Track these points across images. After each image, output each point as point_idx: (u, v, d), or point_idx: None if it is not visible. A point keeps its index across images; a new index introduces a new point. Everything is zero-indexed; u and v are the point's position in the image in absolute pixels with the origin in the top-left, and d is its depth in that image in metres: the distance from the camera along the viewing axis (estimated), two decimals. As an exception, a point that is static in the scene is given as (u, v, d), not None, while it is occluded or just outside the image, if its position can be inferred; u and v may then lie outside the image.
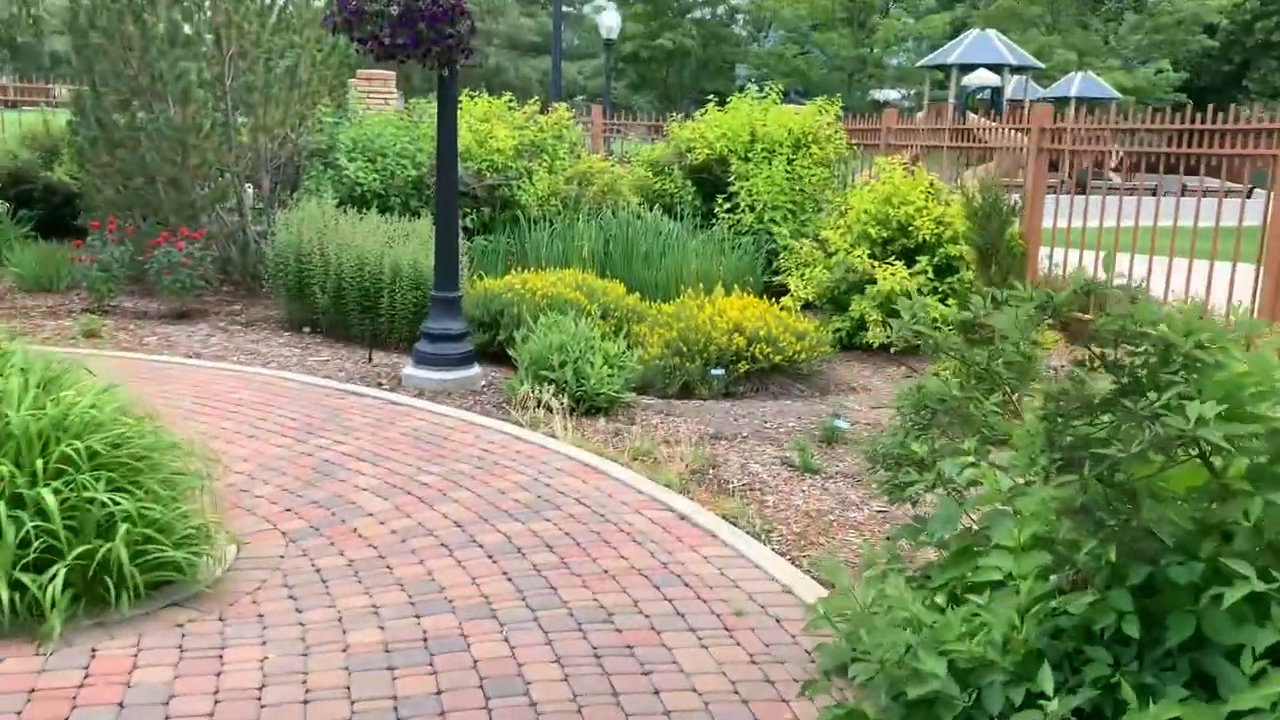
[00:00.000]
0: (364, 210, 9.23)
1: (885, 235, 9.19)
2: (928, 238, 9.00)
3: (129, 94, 9.38)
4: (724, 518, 4.79)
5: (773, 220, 10.49)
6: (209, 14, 9.70)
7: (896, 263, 8.99)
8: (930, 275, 8.90)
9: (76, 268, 9.06)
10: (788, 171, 10.69)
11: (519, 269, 8.50)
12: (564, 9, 28.28)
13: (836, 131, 11.21)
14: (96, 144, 9.52)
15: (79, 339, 8.01)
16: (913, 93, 40.93)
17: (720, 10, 46.20)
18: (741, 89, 12.14)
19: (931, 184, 9.55)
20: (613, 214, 10.25)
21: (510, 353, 7.05)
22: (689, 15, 45.33)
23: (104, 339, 8.09)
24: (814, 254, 9.71)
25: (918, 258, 9.01)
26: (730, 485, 5.29)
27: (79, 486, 3.58)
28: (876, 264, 9.00)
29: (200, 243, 9.04)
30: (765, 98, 11.63)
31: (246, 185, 10.15)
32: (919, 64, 34.36)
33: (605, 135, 16.39)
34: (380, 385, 6.97)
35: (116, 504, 3.61)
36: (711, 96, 12.23)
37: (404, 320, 8.08)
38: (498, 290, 7.82)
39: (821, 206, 10.72)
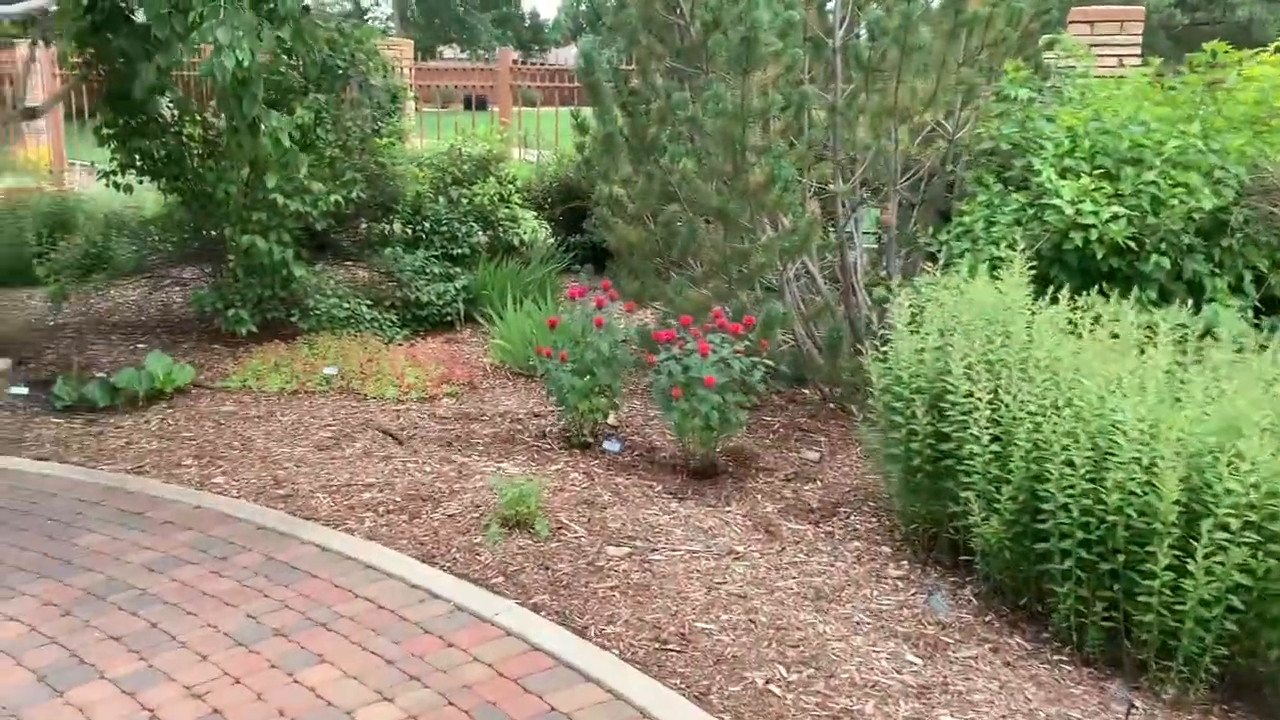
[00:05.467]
0: (1098, 284, 4.11)
1: None
2: None
3: (666, 60, 5.27)
4: None
5: None
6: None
7: None
8: None
9: (545, 366, 5.12)
10: None
11: None
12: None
13: None
14: (611, 145, 5.56)
15: (494, 530, 4.01)
16: None
17: None
18: None
19: None
20: None
21: None
22: None
23: (538, 534, 4.01)
24: None
25: None
26: None
27: None
28: None
29: (751, 335, 4.62)
30: None
31: (852, 217, 5.56)
32: None
33: None
34: None
35: None
36: None
37: (1200, 627, 2.86)
38: None
39: None
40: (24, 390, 5.81)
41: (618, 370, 4.99)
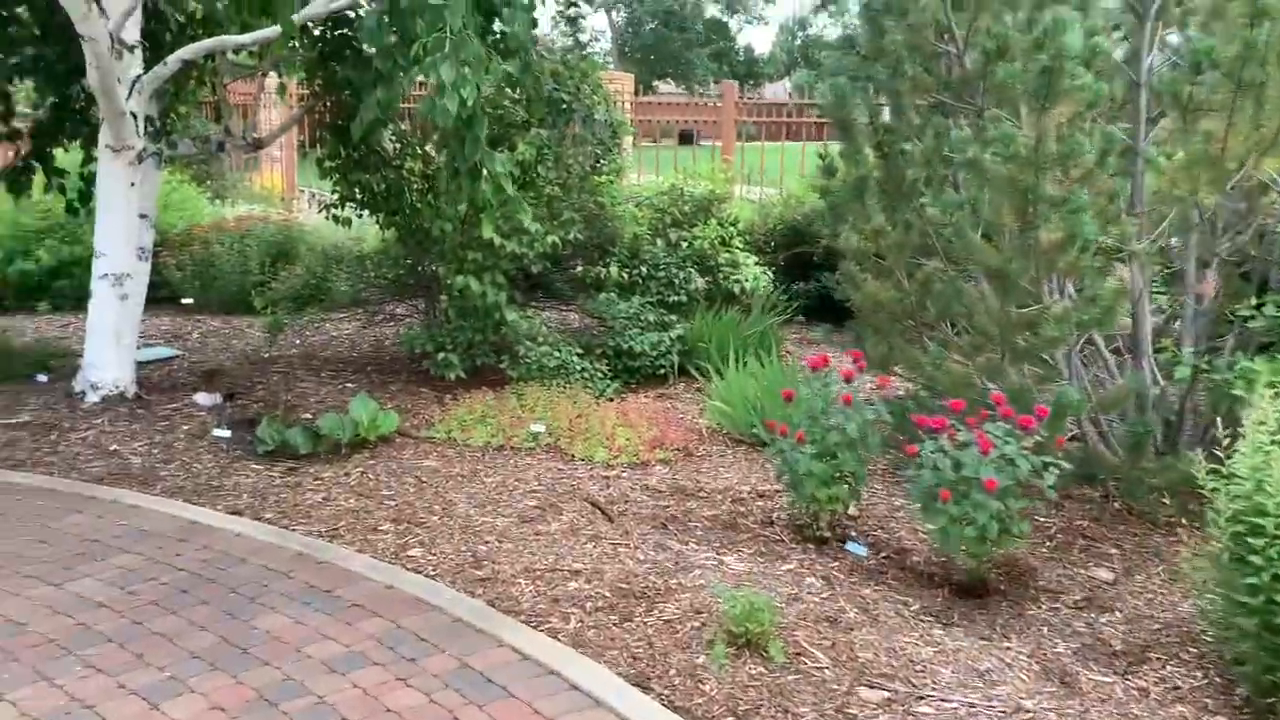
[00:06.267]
0: None
1: None
2: None
3: (931, 94, 4.53)
4: None
5: None
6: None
7: None
8: None
9: (777, 446, 4.41)
10: None
11: None
12: None
13: None
14: (862, 190, 4.84)
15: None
16: None
17: None
18: None
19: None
20: None
21: None
22: None
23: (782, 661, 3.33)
24: None
25: None
26: None
27: None
28: None
29: (1042, 430, 3.78)
30: None
31: (1149, 284, 4.62)
32: None
33: None
34: None
35: None
36: None
37: None
38: None
39: None
40: (226, 434, 5.61)
41: (865, 456, 4.26)
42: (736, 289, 7.49)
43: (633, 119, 10.70)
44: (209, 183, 12.15)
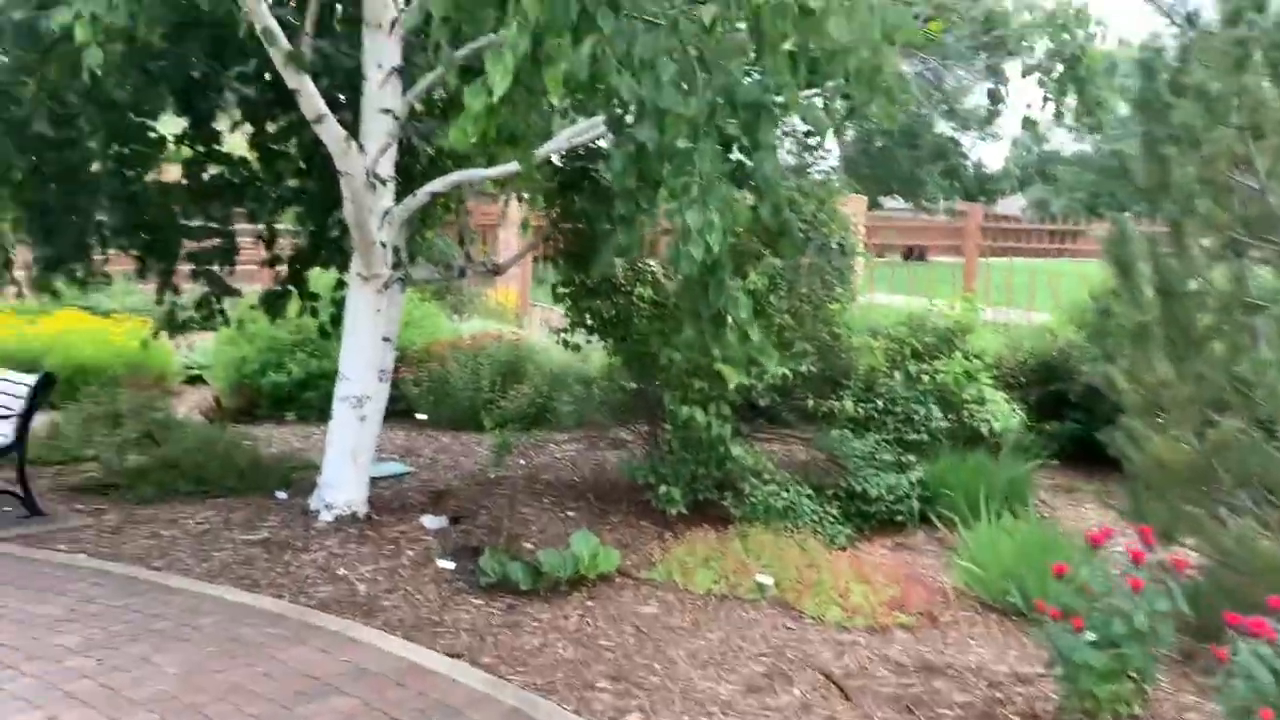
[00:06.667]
0: None
1: None
2: None
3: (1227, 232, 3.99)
4: None
5: None
6: None
7: None
8: None
9: (1049, 632, 3.83)
10: None
11: None
12: None
13: None
14: (1146, 337, 4.29)
15: None
16: None
17: None
18: None
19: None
20: None
21: None
22: None
23: None
24: None
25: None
26: None
27: None
28: None
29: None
30: None
31: None
32: None
33: None
34: None
35: None
36: None
37: None
38: None
39: None
40: (450, 564, 5.54)
41: (1156, 651, 3.64)
42: (984, 428, 6.91)
43: (866, 244, 10.38)
44: (448, 297, 12.68)
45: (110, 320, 10.50)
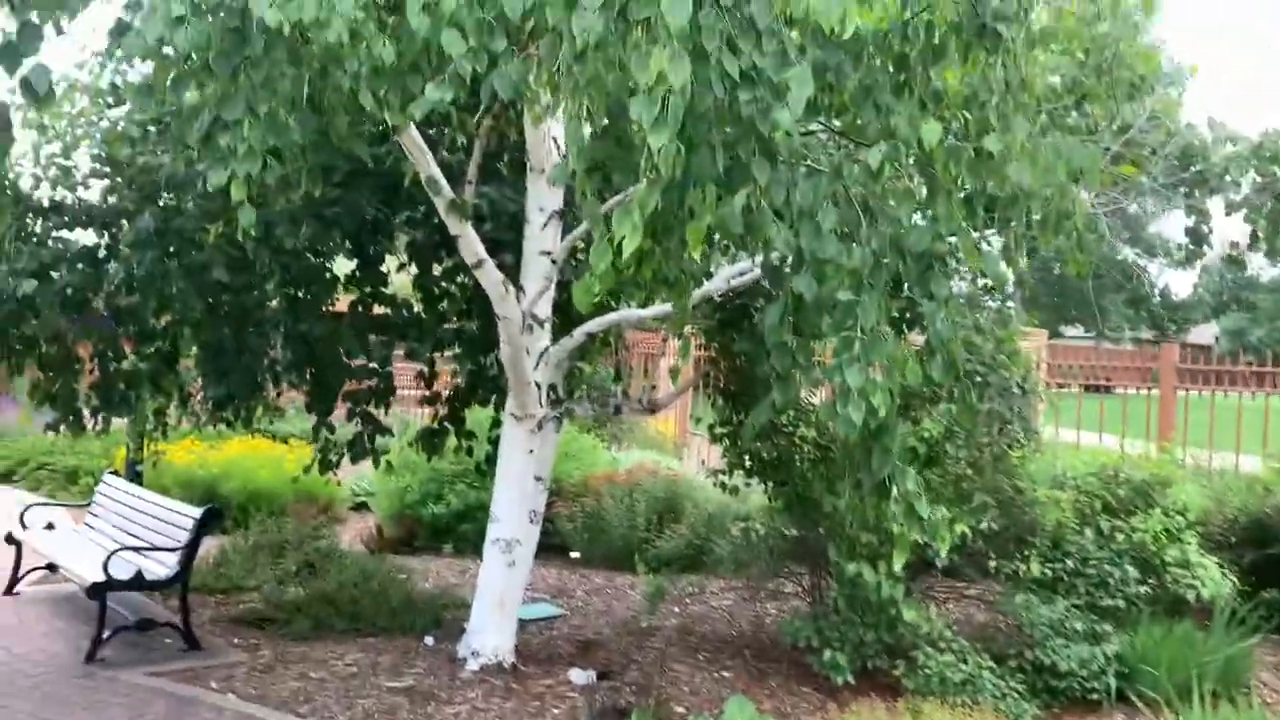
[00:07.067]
0: None
1: None
2: None
3: None
4: None
5: None
6: None
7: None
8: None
9: None
10: None
11: None
12: None
13: None
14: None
15: None
16: None
17: None
18: None
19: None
20: None
21: None
22: None
23: None
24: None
25: None
26: None
27: None
28: None
29: None
30: None
31: None
32: None
33: None
34: None
35: None
36: None
37: None
38: None
39: None
40: (595, 732, 5.22)
41: None
42: (1190, 595, 6.16)
43: (1048, 382, 9.74)
44: (608, 426, 12.59)
45: (286, 446, 10.84)
